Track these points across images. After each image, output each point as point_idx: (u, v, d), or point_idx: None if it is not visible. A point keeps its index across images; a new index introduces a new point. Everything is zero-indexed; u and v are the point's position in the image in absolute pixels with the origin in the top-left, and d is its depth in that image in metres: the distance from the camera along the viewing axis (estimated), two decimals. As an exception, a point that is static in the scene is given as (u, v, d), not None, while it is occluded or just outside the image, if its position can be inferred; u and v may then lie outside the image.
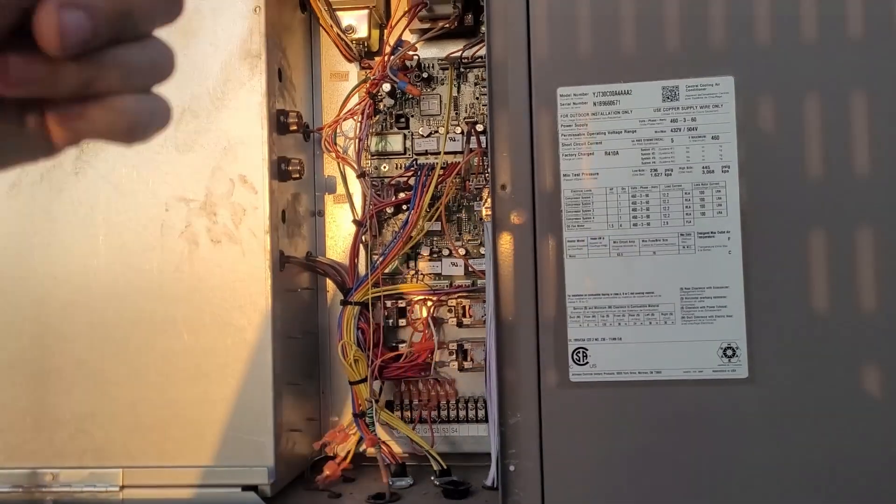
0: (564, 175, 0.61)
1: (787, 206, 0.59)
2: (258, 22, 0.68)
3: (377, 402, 0.76)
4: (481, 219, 0.79)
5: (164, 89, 0.25)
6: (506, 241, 0.62)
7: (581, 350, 0.60)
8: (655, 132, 0.60)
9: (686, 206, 0.59)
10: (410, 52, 0.77)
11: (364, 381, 0.75)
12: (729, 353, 0.59)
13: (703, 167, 0.59)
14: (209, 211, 0.68)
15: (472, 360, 0.79)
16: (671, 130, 0.60)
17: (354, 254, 0.78)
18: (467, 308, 0.79)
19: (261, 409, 0.68)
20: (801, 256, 0.58)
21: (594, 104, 0.61)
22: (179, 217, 0.68)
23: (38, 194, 0.70)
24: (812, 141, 0.58)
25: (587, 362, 0.60)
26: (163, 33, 0.25)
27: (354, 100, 0.80)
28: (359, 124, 0.78)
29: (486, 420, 0.78)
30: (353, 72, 0.83)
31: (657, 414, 0.59)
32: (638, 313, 0.60)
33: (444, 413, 0.79)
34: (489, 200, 0.63)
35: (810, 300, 0.58)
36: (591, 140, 0.61)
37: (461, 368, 0.79)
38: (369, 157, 0.81)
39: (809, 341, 0.58)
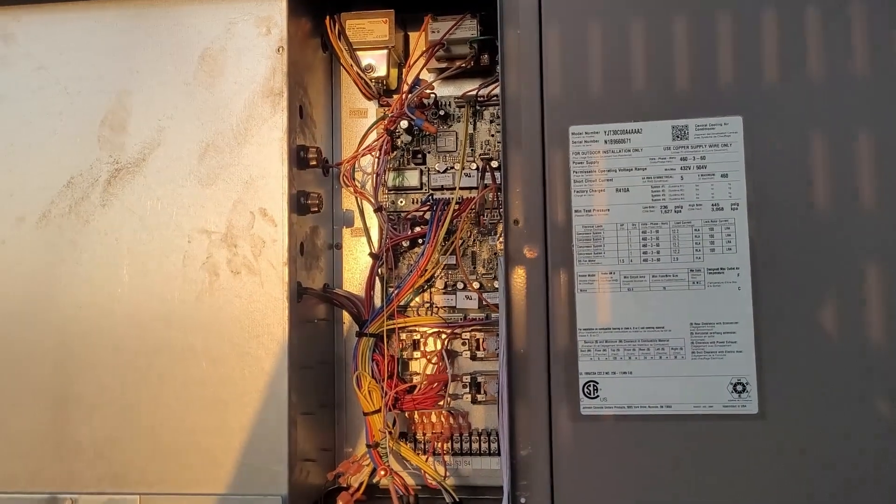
0: (576, 211, 0.62)
1: (795, 242, 0.59)
2: (281, 62, 0.71)
3: (391, 433, 0.76)
4: (495, 253, 0.81)
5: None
6: (519, 275, 0.63)
7: (592, 383, 0.61)
8: (665, 170, 0.61)
9: (696, 243, 0.60)
10: (428, 91, 0.80)
11: (378, 412, 0.76)
12: (739, 388, 0.59)
13: (712, 204, 0.60)
14: (230, 243, 0.70)
15: (485, 392, 0.79)
16: (681, 168, 0.61)
17: (370, 286, 0.80)
18: (481, 341, 0.80)
19: (276, 439, 0.69)
20: (810, 292, 0.59)
21: (605, 142, 0.62)
22: (201, 248, 0.70)
23: (66, 225, 0.72)
24: (819, 178, 0.60)
25: (598, 395, 0.61)
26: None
27: (373, 136, 0.82)
28: (377, 160, 0.80)
29: (498, 453, 0.78)
30: (372, 109, 0.86)
31: (667, 448, 0.60)
32: (648, 348, 0.60)
33: (457, 445, 0.80)
34: (503, 235, 0.64)
35: (819, 335, 0.59)
36: (603, 177, 0.62)
37: (474, 401, 0.79)
38: (386, 191, 0.83)
39: (819, 376, 0.58)
